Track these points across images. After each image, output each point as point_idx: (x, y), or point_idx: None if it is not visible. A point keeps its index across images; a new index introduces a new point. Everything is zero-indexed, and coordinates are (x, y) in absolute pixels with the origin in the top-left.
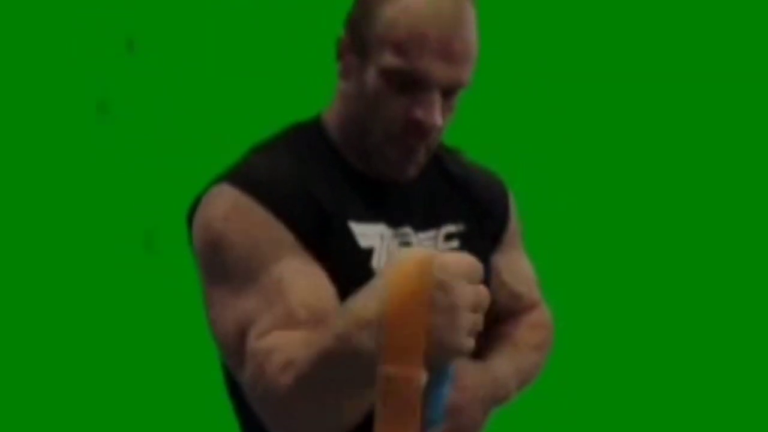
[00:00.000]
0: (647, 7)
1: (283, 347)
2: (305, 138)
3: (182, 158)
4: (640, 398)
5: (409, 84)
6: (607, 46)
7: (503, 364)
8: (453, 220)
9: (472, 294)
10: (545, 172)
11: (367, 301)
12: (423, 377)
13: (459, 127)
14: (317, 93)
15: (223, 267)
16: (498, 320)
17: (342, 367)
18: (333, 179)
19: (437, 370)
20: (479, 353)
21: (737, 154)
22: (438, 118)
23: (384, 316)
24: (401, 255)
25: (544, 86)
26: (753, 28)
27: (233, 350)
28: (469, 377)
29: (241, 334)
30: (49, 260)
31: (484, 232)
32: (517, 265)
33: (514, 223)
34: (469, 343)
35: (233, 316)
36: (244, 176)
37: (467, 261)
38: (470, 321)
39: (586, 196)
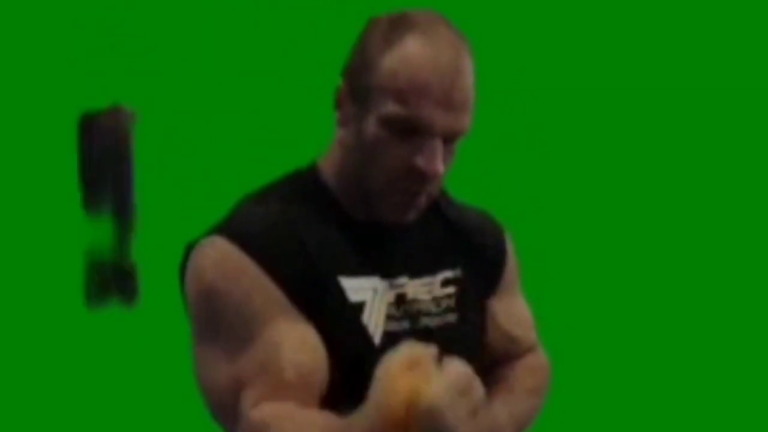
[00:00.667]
0: (635, 16)
1: (282, 425)
2: (300, 186)
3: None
4: (637, 404)
5: (409, 132)
6: (599, 57)
7: (500, 410)
8: (450, 265)
9: (465, 408)
10: (539, 191)
11: (362, 426)
12: None
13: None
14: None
15: (213, 322)
16: (494, 364)
17: None
18: (328, 229)
19: None
20: None
21: (734, 156)
22: (440, 166)
23: None
24: (386, 386)
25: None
26: (753, 28)
27: (225, 407)
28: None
29: (234, 394)
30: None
31: (481, 277)
32: (514, 308)
33: (512, 266)
34: None
35: (226, 376)
36: (235, 228)
37: (451, 378)
38: (469, 428)
39: (581, 211)
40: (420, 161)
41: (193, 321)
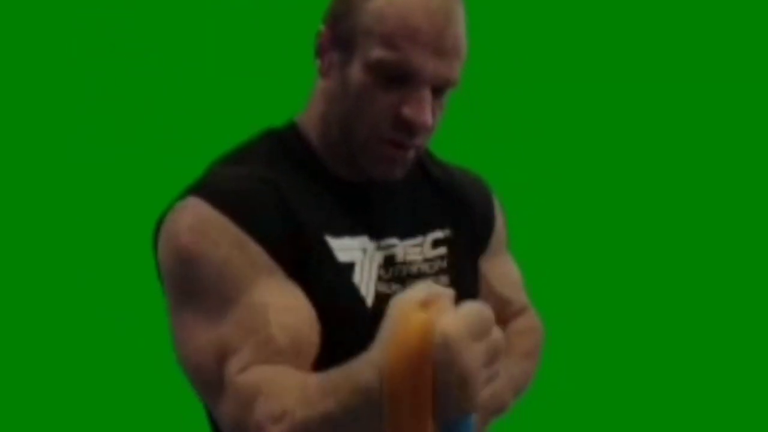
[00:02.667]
0: (634, 8)
1: (272, 392)
2: (279, 145)
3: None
4: (634, 399)
5: (397, 80)
6: (596, 48)
7: (501, 375)
8: (440, 225)
9: (482, 354)
10: (530, 173)
11: (367, 372)
12: None
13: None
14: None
15: (192, 287)
16: None
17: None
18: (310, 189)
19: (458, 423)
20: None
21: (732, 155)
22: (429, 117)
23: (385, 392)
24: (399, 319)
25: (529, 86)
26: (752, 28)
27: (208, 378)
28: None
29: (218, 363)
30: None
31: (470, 237)
32: (504, 269)
33: (501, 226)
34: (485, 394)
35: (208, 343)
36: (211, 188)
37: (470, 316)
38: (485, 377)
39: (572, 196)
40: (408, 111)
41: (168, 289)
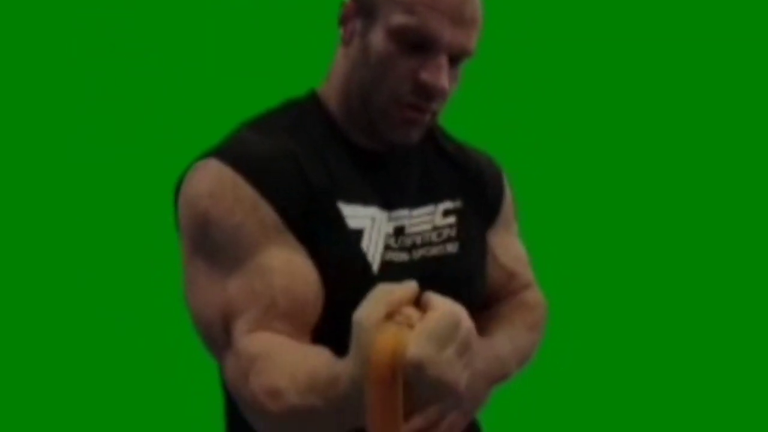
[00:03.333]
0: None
1: (265, 368)
2: (300, 112)
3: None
4: (635, 387)
5: (417, 46)
6: (603, 40)
7: (504, 343)
8: (450, 196)
9: (452, 356)
10: (536, 163)
11: (347, 384)
12: None
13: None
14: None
15: (206, 245)
16: (494, 299)
17: (331, 420)
18: (328, 156)
19: None
20: (479, 332)
21: (730, 151)
22: (445, 82)
23: (363, 402)
24: (367, 340)
25: (536, 77)
26: (752, 28)
27: (215, 333)
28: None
29: (225, 320)
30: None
31: (480, 210)
32: (511, 244)
33: (509, 202)
34: (463, 383)
35: (217, 300)
36: (232, 151)
37: (435, 326)
38: (459, 370)
39: (577, 186)
40: (426, 76)
41: (184, 243)
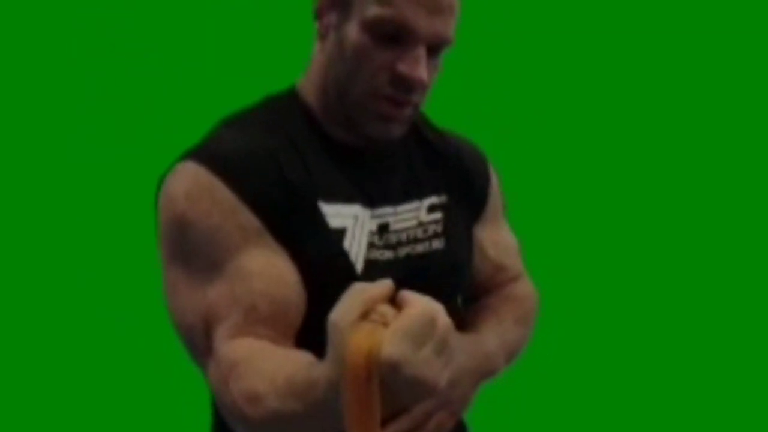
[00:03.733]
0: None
1: (245, 373)
2: (279, 109)
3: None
4: (625, 383)
5: (393, 37)
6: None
7: (491, 338)
8: (436, 191)
9: (429, 355)
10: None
11: (325, 387)
12: None
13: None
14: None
15: (184, 248)
16: (481, 293)
17: (312, 424)
18: (308, 154)
19: None
20: (465, 327)
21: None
22: (424, 73)
23: (341, 404)
24: (342, 341)
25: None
26: (751, 28)
27: (197, 339)
28: (459, 349)
29: (206, 326)
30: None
31: (466, 203)
32: (500, 236)
33: (496, 192)
34: (443, 382)
35: (197, 306)
36: (210, 153)
37: (410, 325)
38: (438, 369)
39: (568, 179)
40: (403, 67)
41: (163, 248)
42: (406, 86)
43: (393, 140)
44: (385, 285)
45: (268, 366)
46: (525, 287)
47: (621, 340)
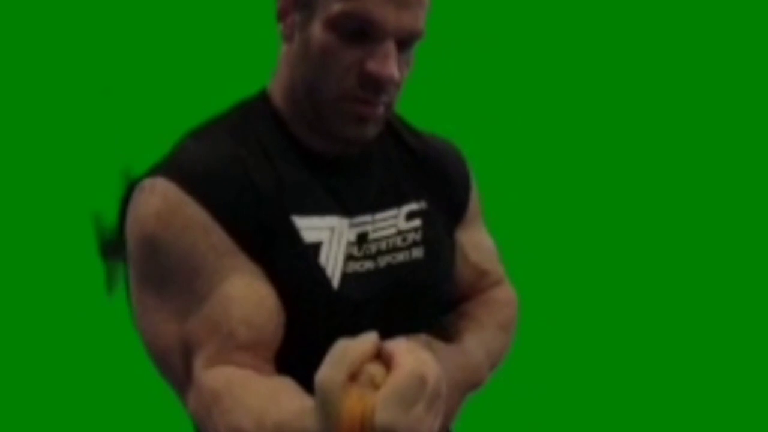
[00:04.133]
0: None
1: (229, 407)
2: (249, 116)
3: None
4: (611, 384)
5: (359, 34)
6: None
7: (476, 349)
8: (415, 197)
9: (422, 412)
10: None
11: None
12: None
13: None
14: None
15: (158, 272)
16: (461, 298)
17: None
18: (279, 164)
19: None
20: (447, 334)
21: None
22: (394, 70)
23: None
24: (333, 407)
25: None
26: (751, 28)
27: (173, 366)
28: (446, 362)
29: (184, 352)
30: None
31: (447, 208)
32: (480, 240)
33: (475, 195)
34: (436, 425)
35: (173, 332)
36: (179, 168)
37: (400, 388)
38: (431, 420)
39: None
40: (372, 65)
41: (133, 270)
42: (377, 85)
43: (367, 141)
44: (368, 341)
45: (254, 403)
46: (506, 292)
47: (602, 342)
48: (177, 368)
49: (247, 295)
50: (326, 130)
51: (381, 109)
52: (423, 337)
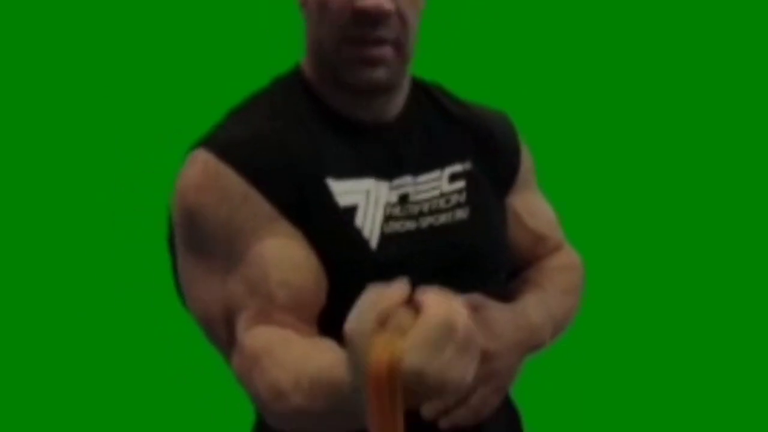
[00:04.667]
0: None
1: (268, 366)
2: (284, 90)
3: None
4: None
5: None
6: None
7: (536, 309)
8: (459, 158)
9: (452, 357)
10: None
11: (349, 392)
12: None
13: None
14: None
15: (199, 241)
16: (523, 265)
17: (338, 420)
18: (314, 130)
19: None
20: (509, 301)
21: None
22: (381, 1)
23: (366, 409)
24: (361, 351)
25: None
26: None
27: (218, 331)
28: (502, 322)
29: (227, 317)
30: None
31: (494, 172)
32: (535, 205)
33: (527, 161)
34: (468, 378)
35: (215, 297)
36: (218, 141)
37: (428, 331)
38: (464, 365)
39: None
40: (360, 1)
41: (178, 239)
42: (369, 19)
43: (382, 85)
44: (399, 289)
45: (291, 360)
46: (569, 257)
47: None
48: (221, 333)
49: (285, 257)
50: (343, 82)
51: (388, 50)
52: (477, 296)
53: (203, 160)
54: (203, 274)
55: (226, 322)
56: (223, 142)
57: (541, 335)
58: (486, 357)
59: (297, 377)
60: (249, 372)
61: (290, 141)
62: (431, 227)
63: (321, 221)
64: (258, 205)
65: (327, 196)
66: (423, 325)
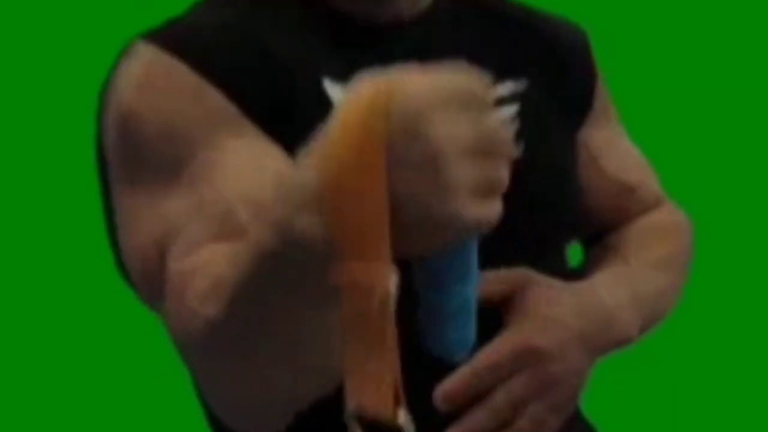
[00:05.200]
0: None
1: (207, 267)
2: None
3: None
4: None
5: None
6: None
7: (613, 289)
8: (510, 73)
9: (465, 128)
10: None
11: (305, 168)
12: (390, 278)
13: None
14: None
15: (136, 157)
16: (604, 226)
17: (282, 274)
18: (309, 34)
19: (438, 259)
20: (578, 277)
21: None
22: None
23: (325, 187)
24: (354, 90)
25: None
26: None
27: (149, 276)
28: (560, 306)
29: (160, 252)
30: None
31: (561, 94)
32: (620, 146)
33: (604, 87)
34: (479, 210)
35: (148, 227)
36: (170, 34)
37: (448, 81)
38: (470, 172)
39: None
40: None
41: (111, 167)
42: None
43: (432, 20)
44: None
45: (232, 249)
46: (669, 215)
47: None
48: (154, 276)
49: (251, 163)
50: None
51: None
52: (524, 270)
53: (147, 54)
54: (137, 202)
55: (159, 259)
56: (174, 33)
57: (620, 325)
58: (536, 357)
59: (236, 249)
60: (180, 294)
61: (270, 35)
62: None
63: (311, 124)
64: (216, 105)
65: (322, 97)
66: (445, 75)
